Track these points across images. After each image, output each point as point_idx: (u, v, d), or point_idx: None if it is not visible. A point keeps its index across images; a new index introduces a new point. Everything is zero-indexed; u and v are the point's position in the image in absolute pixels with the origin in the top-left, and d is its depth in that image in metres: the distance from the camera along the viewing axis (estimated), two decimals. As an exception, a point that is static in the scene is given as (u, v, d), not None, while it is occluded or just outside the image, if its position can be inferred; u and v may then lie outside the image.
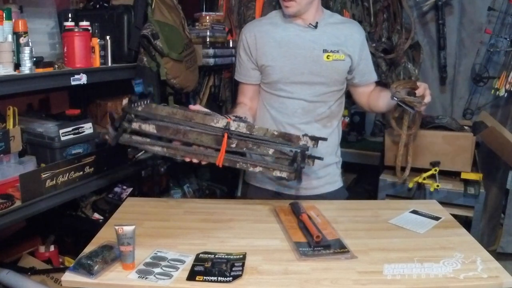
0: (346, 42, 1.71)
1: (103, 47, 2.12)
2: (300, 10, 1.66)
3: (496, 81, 2.63)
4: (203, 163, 1.45)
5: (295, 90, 1.70)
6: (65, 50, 1.96)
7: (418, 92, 1.61)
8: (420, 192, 2.38)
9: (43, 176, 1.78)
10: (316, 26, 1.69)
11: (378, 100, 1.79)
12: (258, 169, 1.48)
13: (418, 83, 1.63)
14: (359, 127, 3.51)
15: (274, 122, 1.75)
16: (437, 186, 2.34)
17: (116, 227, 1.23)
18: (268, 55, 1.68)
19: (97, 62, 2.07)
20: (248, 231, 1.48)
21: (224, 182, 3.14)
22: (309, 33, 1.70)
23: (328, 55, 1.69)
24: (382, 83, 2.80)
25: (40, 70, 1.80)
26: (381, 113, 2.98)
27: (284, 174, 1.48)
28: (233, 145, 1.44)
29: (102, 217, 2.27)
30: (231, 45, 2.76)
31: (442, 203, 1.77)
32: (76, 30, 1.97)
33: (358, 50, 1.74)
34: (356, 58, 1.73)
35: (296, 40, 1.69)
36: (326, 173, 1.80)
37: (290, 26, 1.71)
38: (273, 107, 1.75)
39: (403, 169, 2.06)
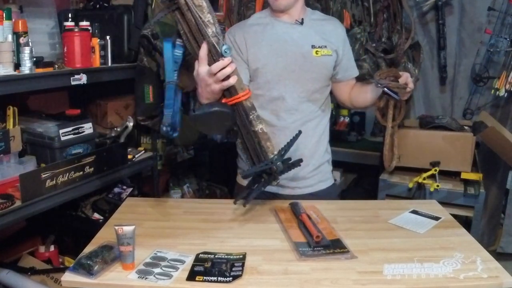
0: (331, 37, 1.73)
1: (103, 47, 2.13)
2: (289, 4, 1.66)
3: (496, 81, 2.62)
4: (233, 81, 1.39)
5: (288, 89, 1.69)
6: (65, 50, 1.96)
7: (401, 80, 1.63)
8: (420, 192, 2.38)
9: (43, 176, 1.78)
10: (302, 22, 1.70)
11: (360, 94, 1.81)
12: (260, 126, 1.45)
13: (400, 72, 1.66)
14: (359, 127, 3.51)
15: (270, 127, 1.71)
16: (437, 186, 2.34)
17: (116, 227, 1.23)
18: (260, 55, 1.67)
19: (97, 62, 2.07)
20: (248, 231, 1.48)
21: (224, 182, 3.14)
22: (296, 29, 1.70)
23: (317, 51, 1.69)
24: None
25: (40, 70, 1.80)
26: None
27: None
28: (250, 101, 1.44)
29: (102, 217, 2.27)
30: (231, 45, 2.77)
31: (442, 203, 1.76)
32: (76, 30, 1.97)
33: (342, 45, 1.75)
34: (340, 53, 1.75)
35: (285, 37, 1.68)
36: (319, 171, 1.80)
37: (277, 24, 1.71)
38: (265, 109, 1.71)
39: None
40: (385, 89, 1.64)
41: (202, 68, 1.38)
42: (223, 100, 1.44)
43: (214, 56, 1.37)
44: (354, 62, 1.86)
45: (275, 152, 1.46)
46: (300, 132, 1.52)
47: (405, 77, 1.64)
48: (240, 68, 1.68)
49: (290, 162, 1.49)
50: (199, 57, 1.38)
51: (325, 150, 1.82)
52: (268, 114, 1.71)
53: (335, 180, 1.94)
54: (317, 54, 1.69)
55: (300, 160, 1.52)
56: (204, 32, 1.36)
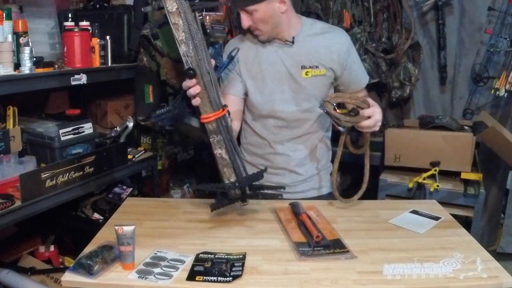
0: (325, 55, 1.65)
1: (103, 47, 2.13)
2: (270, 36, 1.63)
3: (496, 81, 2.63)
4: (195, 103, 1.41)
5: (277, 108, 1.68)
6: (65, 50, 1.97)
7: (363, 112, 1.51)
8: (420, 192, 2.38)
9: (43, 176, 1.78)
10: (293, 42, 1.63)
11: None
12: (219, 151, 1.46)
13: (371, 104, 1.54)
14: (359, 127, 3.50)
15: (261, 139, 1.75)
16: (437, 186, 2.34)
17: (116, 227, 1.23)
18: (249, 75, 1.67)
19: (97, 62, 2.07)
20: (248, 231, 1.48)
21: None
22: (286, 50, 1.64)
23: (307, 71, 1.64)
24: (382, 84, 2.82)
25: (40, 70, 1.80)
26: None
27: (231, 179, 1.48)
28: (213, 125, 1.44)
29: (102, 217, 2.27)
30: (231, 45, 2.76)
31: (442, 203, 1.76)
32: (76, 30, 1.97)
33: (341, 60, 1.66)
34: (338, 69, 1.67)
35: (275, 57, 1.66)
36: (309, 180, 1.80)
37: (268, 44, 1.67)
38: (257, 122, 1.74)
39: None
40: (327, 114, 1.51)
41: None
42: None
43: None
44: (362, 72, 1.77)
45: (232, 179, 1.47)
46: (266, 169, 1.54)
47: (370, 111, 1.52)
48: (234, 81, 1.70)
49: (250, 192, 1.51)
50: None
51: (317, 164, 1.80)
52: (260, 127, 1.74)
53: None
54: (307, 75, 1.65)
55: (259, 195, 1.53)
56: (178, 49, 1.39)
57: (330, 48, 1.66)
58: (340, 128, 1.53)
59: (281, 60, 1.65)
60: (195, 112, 1.47)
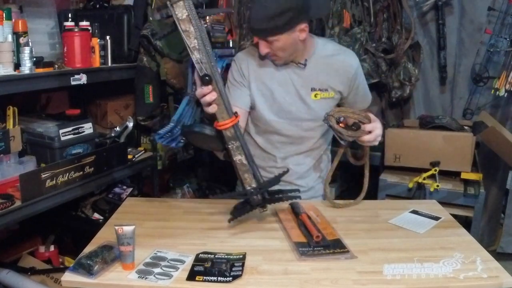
0: (335, 77, 1.66)
1: (103, 47, 2.13)
2: (287, 61, 1.63)
3: (496, 81, 2.63)
4: (212, 110, 1.39)
5: (282, 126, 1.69)
6: (65, 50, 1.97)
7: (364, 127, 1.54)
8: (420, 192, 2.39)
9: (43, 176, 1.78)
10: (305, 65, 1.63)
11: None
12: (239, 157, 1.45)
13: (373, 119, 1.57)
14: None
15: (265, 153, 1.75)
16: (437, 186, 2.34)
17: (116, 227, 1.23)
18: (259, 92, 1.67)
19: (97, 62, 2.07)
20: (248, 231, 1.48)
21: (224, 182, 3.13)
22: (298, 72, 1.65)
23: (316, 94, 1.66)
24: (382, 84, 2.82)
25: (40, 70, 1.80)
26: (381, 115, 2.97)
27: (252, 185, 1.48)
28: (231, 131, 1.43)
29: (102, 217, 2.27)
30: (231, 45, 2.77)
31: (442, 203, 1.76)
32: (76, 30, 1.97)
33: (349, 82, 1.68)
34: (345, 91, 1.69)
35: (285, 78, 1.65)
36: (310, 190, 1.81)
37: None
38: (261, 137, 1.75)
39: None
40: (329, 127, 1.55)
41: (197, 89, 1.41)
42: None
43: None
44: (367, 93, 1.78)
45: (253, 185, 1.46)
46: (287, 170, 1.54)
47: (371, 127, 1.55)
48: (242, 93, 1.68)
49: (269, 198, 1.50)
50: (195, 79, 1.41)
51: (319, 174, 1.82)
52: (263, 142, 1.75)
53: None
54: (316, 97, 1.66)
55: (280, 199, 1.52)
56: (191, 57, 1.37)
57: (339, 71, 1.66)
58: (342, 142, 1.56)
59: (291, 81, 1.65)
60: (202, 120, 1.46)
